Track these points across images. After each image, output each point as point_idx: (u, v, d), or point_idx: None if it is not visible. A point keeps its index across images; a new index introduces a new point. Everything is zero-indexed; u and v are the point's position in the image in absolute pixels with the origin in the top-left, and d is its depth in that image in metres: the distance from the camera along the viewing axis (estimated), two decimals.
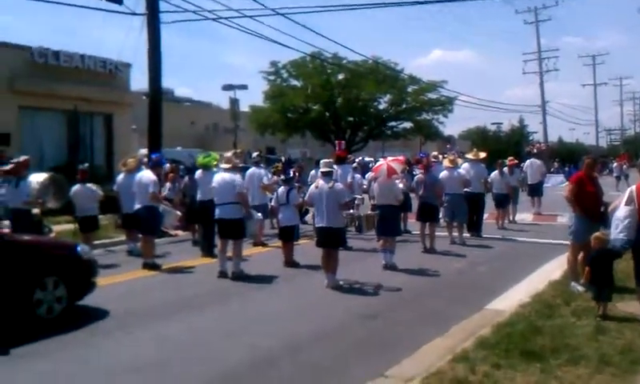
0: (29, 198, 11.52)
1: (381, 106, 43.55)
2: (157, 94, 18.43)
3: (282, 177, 13.25)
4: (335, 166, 12.75)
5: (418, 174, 14.54)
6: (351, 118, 42.92)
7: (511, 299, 8.72)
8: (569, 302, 8.10)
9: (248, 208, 11.59)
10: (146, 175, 11.99)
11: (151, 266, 11.78)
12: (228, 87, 35.19)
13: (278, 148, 49.89)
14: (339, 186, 10.54)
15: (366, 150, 43.80)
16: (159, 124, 18.28)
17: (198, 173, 13.32)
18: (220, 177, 11.21)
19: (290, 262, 11.92)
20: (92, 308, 8.41)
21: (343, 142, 19.22)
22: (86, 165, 14.97)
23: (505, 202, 18.12)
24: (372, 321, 8.02)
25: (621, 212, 7.11)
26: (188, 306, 8.91)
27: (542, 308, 7.83)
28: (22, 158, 12.00)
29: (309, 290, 10.09)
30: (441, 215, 14.64)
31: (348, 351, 6.80)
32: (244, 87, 35.40)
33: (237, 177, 11.33)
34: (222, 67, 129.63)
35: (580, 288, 8.63)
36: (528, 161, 22.84)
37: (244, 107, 44.57)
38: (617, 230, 7.10)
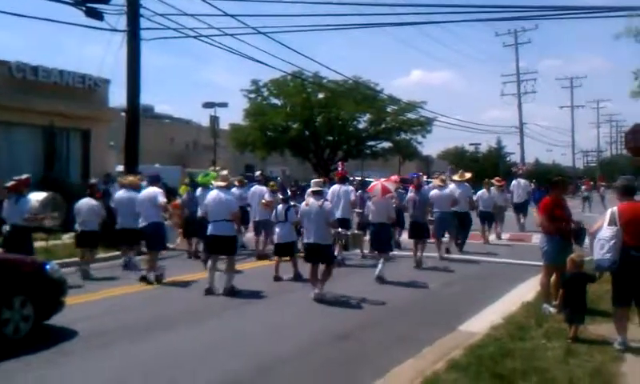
0: (28, 215, 11.69)
1: (360, 126, 43.75)
2: (135, 110, 18.34)
3: (280, 195, 13.75)
4: (337, 185, 14.50)
5: (410, 193, 15.01)
6: (330, 137, 43.05)
7: (484, 320, 8.74)
8: (541, 323, 8.14)
9: (240, 226, 12.06)
10: (151, 190, 12.42)
11: (147, 280, 12.02)
12: (208, 105, 35.24)
13: (258, 166, 49.89)
14: (328, 204, 11.01)
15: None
16: (136, 141, 18.18)
17: (199, 190, 14.29)
18: (215, 194, 11.36)
19: (290, 277, 12.42)
20: (61, 328, 8.26)
21: (345, 162, 19.49)
22: (95, 180, 15.41)
23: (490, 219, 19.34)
24: (345, 341, 7.99)
25: (606, 232, 7.09)
26: (161, 324, 8.83)
27: (514, 330, 7.86)
28: (24, 176, 12.21)
29: (289, 307, 10.14)
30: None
31: (319, 373, 6.77)
32: (224, 105, 35.49)
33: (232, 196, 11.73)
34: (202, 85, 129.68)
35: (552, 309, 8.69)
36: (515, 181, 24.01)
37: (224, 125, 44.63)
38: (603, 250, 7.06)
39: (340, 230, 12.16)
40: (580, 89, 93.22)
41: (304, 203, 11.18)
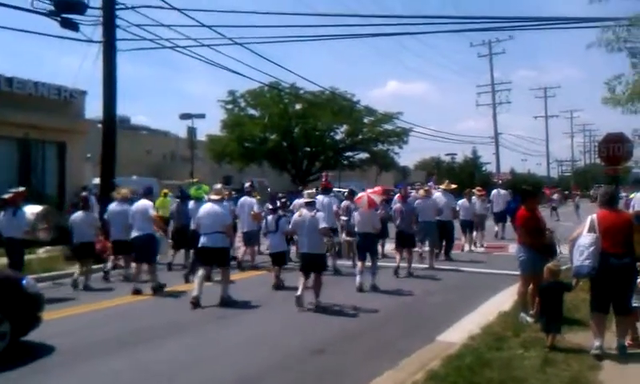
0: (27, 228, 12.24)
1: (337, 137, 44.01)
2: (111, 122, 18.24)
3: (270, 206, 14.21)
4: (321, 196, 14.56)
5: (396, 204, 15.33)
6: (308, 148, 43.20)
7: (462, 330, 8.79)
8: (518, 333, 8.20)
9: (232, 238, 12.82)
10: (143, 203, 12.72)
11: (158, 288, 12.32)
12: (186, 116, 35.15)
13: (236, 177, 49.78)
14: (321, 214, 11.19)
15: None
16: (113, 152, 18.07)
17: (191, 203, 14.53)
18: (209, 207, 11.51)
19: (278, 285, 12.64)
20: (38, 344, 8.14)
21: (329, 173, 19.86)
22: (85, 193, 15.58)
23: (470, 227, 20.09)
24: (324, 354, 7.96)
25: (586, 239, 7.20)
26: (140, 339, 8.75)
27: (492, 340, 7.91)
28: (20, 189, 12.81)
29: (271, 319, 10.14)
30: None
31: None
32: (202, 116, 35.42)
33: (225, 209, 11.93)
34: (179, 96, 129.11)
35: (529, 319, 8.76)
36: (495, 191, 24.93)
37: (201, 136, 44.58)
38: (582, 256, 7.16)
39: (331, 236, 12.48)
40: (554, 99, 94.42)
41: (297, 214, 11.47)
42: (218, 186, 12.70)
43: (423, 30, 53.57)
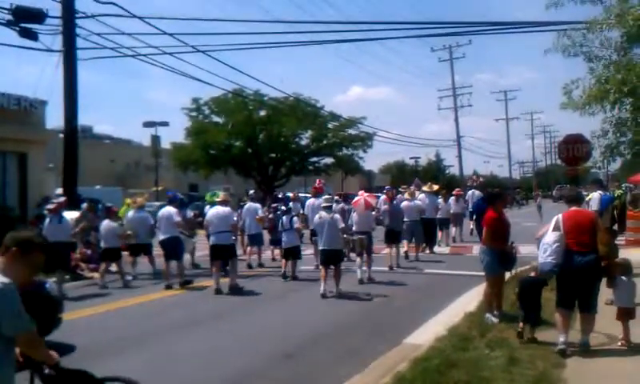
0: (71, 232, 14.10)
1: (302, 142, 44.04)
2: (73, 131, 18.04)
3: (284, 208, 16.31)
4: (313, 199, 16.88)
5: (384, 205, 16.64)
6: (273, 154, 43.16)
7: (429, 332, 8.87)
8: (484, 333, 8.29)
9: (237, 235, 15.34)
10: (168, 209, 14.39)
11: (186, 283, 13.90)
12: (149, 124, 34.97)
13: (201, 185, 49.51)
14: (337, 216, 13.05)
15: (288, 185, 43.98)
16: (75, 162, 17.88)
17: (207, 208, 15.88)
18: (215, 210, 13.58)
19: (294, 276, 14.54)
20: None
21: (322, 180, 20.79)
22: (110, 204, 16.85)
23: (447, 224, 22.08)
24: (292, 360, 7.95)
25: (549, 237, 7.41)
26: (136, 340, 8.70)
27: (458, 341, 7.98)
28: (62, 198, 15.01)
29: (242, 326, 10.17)
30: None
31: None
32: (165, 124, 35.34)
33: (230, 210, 13.85)
34: (143, 104, 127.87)
35: (494, 319, 8.91)
36: (470, 191, 27.10)
37: (166, 144, 44.21)
38: (545, 254, 7.39)
39: (346, 235, 13.65)
40: (514, 102, 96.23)
41: (317, 216, 13.14)
42: (224, 192, 14.94)
43: (385, 35, 54.07)
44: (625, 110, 10.51)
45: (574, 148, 14.51)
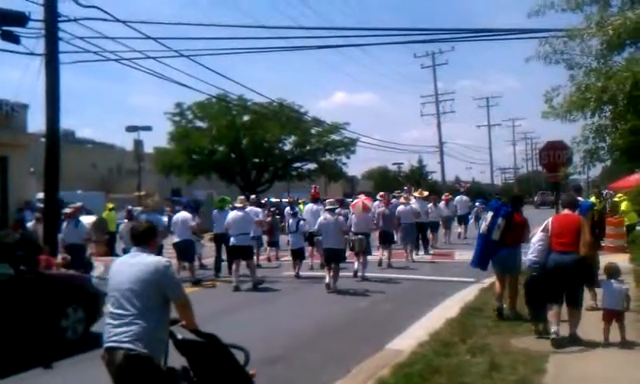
0: (86, 235, 15.46)
1: (286, 148, 43.91)
2: (54, 135, 17.85)
3: (291, 211, 17.69)
4: (312, 205, 18.14)
5: (380, 208, 17.83)
6: (257, 159, 43.02)
7: (411, 338, 8.92)
8: (465, 339, 8.36)
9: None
10: (183, 214, 15.61)
11: (197, 282, 14.91)
12: (132, 128, 34.73)
13: (184, 189, 49.29)
14: (341, 218, 14.59)
15: (271, 190, 43.92)
16: (57, 167, 17.68)
17: (215, 212, 17.11)
18: (234, 214, 14.71)
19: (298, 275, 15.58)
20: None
21: (317, 186, 21.68)
22: (138, 209, 18.57)
23: (437, 227, 23.51)
24: (274, 365, 7.93)
25: (535, 238, 8.32)
26: None
27: (440, 346, 8.04)
28: (78, 204, 16.58)
29: (241, 324, 10.27)
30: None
31: None
32: (148, 128, 35.07)
33: (249, 213, 15.14)
34: (125, 108, 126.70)
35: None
36: (458, 197, 28.65)
37: (149, 149, 43.95)
38: (529, 251, 8.35)
39: (349, 234, 14.84)
40: (496, 108, 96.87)
41: (322, 218, 14.29)
42: (242, 197, 16.51)
43: (368, 41, 54.30)
44: (605, 117, 10.59)
45: (554, 154, 14.64)
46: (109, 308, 4.65)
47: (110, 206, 23.41)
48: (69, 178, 24.45)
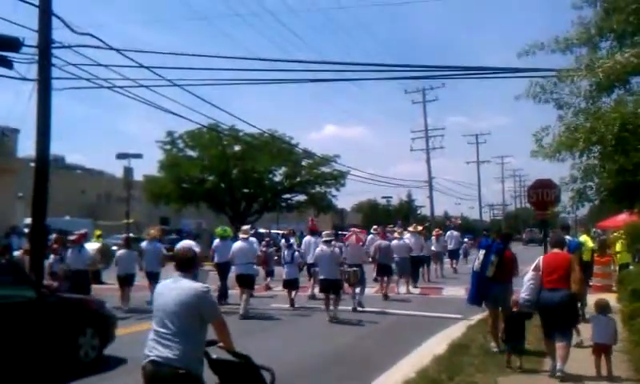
0: (89, 261, 15.85)
1: (276, 179, 43.95)
2: (44, 161, 17.74)
3: (286, 243, 18.46)
4: (310, 237, 19.24)
5: (377, 241, 18.76)
6: (246, 190, 42.99)
7: (398, 374, 8.86)
8: (452, 377, 8.31)
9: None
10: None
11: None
12: (122, 156, 34.54)
13: (173, 218, 49.12)
14: (337, 250, 15.04)
15: (260, 221, 43.85)
16: (45, 192, 17.56)
17: (216, 242, 17.36)
18: (239, 244, 15.31)
19: (292, 304, 16.15)
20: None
21: (314, 219, 22.73)
22: (132, 234, 19.20)
23: (428, 262, 23.96)
24: None
25: (527, 276, 8.52)
26: None
27: None
28: (83, 230, 17.35)
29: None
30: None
31: None
32: (138, 156, 34.87)
33: (252, 243, 15.69)
34: (116, 135, 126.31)
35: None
36: (449, 232, 29.36)
37: (138, 176, 43.85)
38: (522, 290, 8.56)
39: (345, 266, 15.24)
40: (485, 145, 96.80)
41: (318, 249, 14.82)
42: (246, 227, 17.26)
43: (360, 76, 54.42)
44: (593, 157, 10.72)
45: (543, 192, 14.70)
46: (153, 326, 4.98)
47: (98, 233, 23.29)
48: (57, 204, 24.20)
